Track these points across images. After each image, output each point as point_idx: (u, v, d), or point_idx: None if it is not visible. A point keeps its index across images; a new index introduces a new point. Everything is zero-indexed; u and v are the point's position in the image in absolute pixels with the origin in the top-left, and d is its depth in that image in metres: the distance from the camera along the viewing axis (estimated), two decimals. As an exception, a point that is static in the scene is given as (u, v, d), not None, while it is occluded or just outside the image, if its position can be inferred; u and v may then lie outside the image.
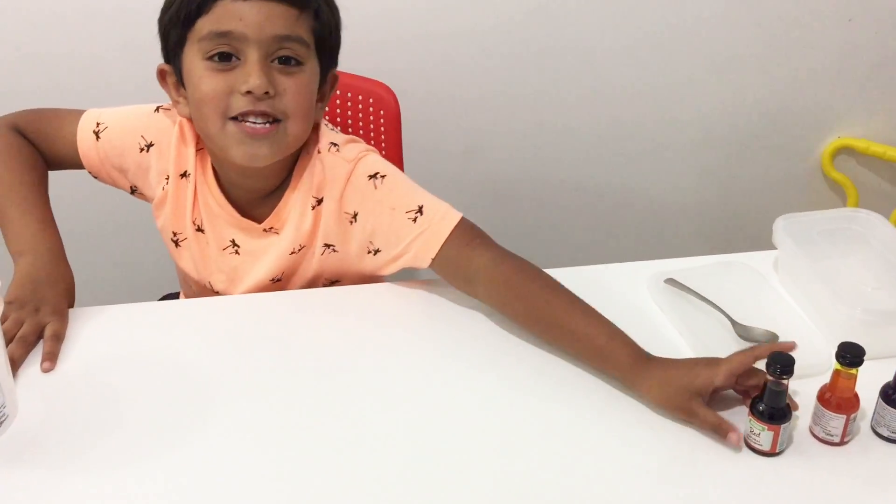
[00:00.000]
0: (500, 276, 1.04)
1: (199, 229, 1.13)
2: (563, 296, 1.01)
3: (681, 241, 2.08)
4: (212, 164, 1.11)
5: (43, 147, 1.16)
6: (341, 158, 1.09)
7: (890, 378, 0.89)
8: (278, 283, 1.15)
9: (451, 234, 1.05)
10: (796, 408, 0.89)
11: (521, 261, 1.05)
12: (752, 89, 1.90)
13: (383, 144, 1.44)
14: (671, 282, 1.08)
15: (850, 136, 1.98)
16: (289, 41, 0.99)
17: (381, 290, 1.13)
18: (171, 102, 1.09)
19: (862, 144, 1.96)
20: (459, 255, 1.05)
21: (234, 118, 0.99)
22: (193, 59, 1.00)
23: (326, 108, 1.16)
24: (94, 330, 1.03)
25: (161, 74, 1.07)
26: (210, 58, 0.99)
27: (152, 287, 1.46)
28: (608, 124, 1.91)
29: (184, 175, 1.11)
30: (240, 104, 0.98)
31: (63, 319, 1.02)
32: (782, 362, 0.83)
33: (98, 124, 1.12)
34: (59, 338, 0.99)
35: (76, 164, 1.15)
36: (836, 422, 0.88)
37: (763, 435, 0.86)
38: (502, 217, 1.95)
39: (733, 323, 0.99)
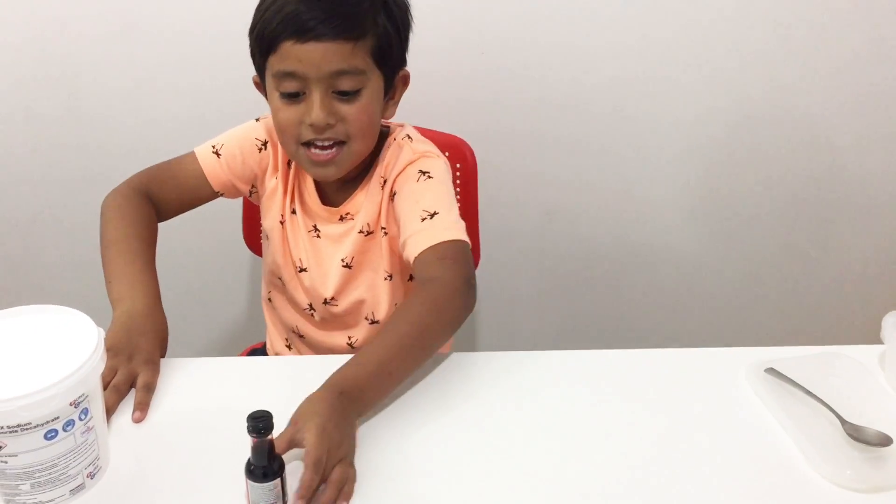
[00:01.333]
0: (417, 291, 1.06)
1: (293, 211, 1.26)
2: (404, 324, 1.01)
3: (772, 326, 1.92)
4: None
5: (170, 190, 1.24)
6: (410, 148, 1.21)
7: None
8: (350, 270, 1.24)
9: (439, 244, 1.09)
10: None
11: (448, 294, 1.05)
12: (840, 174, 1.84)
13: (458, 198, 1.43)
14: (772, 371, 1.04)
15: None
16: (344, 74, 1.08)
17: (453, 361, 1.10)
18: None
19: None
20: (429, 264, 1.09)
21: (305, 143, 1.13)
22: (270, 87, 1.13)
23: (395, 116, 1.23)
24: (184, 382, 1.03)
25: (256, 83, 1.19)
26: (282, 92, 1.11)
27: (240, 340, 1.47)
28: (702, 190, 1.82)
29: (289, 163, 1.26)
30: (307, 133, 1.12)
31: (155, 369, 1.03)
32: (263, 420, 0.82)
33: (213, 146, 1.25)
34: (150, 388, 1.00)
35: (203, 192, 1.25)
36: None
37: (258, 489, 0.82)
38: (583, 285, 1.90)
39: (842, 421, 0.94)
